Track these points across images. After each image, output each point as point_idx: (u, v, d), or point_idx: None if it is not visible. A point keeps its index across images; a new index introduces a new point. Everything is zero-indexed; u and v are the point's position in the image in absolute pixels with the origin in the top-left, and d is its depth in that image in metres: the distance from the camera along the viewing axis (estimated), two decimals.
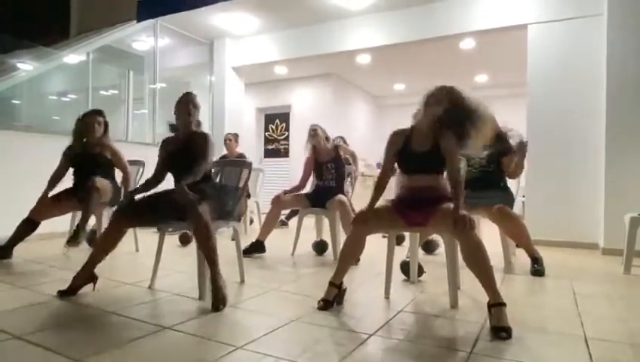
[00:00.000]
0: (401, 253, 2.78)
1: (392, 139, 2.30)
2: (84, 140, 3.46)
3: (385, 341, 1.74)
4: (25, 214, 4.20)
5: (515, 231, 3.06)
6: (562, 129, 4.51)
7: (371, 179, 7.57)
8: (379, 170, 8.15)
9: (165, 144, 2.69)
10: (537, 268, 3.02)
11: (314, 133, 3.81)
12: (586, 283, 2.85)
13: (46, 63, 5.42)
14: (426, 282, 2.72)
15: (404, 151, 2.26)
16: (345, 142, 5.01)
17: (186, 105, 2.57)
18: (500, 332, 1.74)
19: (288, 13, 5.77)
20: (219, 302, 2.08)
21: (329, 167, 3.77)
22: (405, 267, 2.77)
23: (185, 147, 2.55)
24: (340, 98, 8.36)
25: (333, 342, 1.70)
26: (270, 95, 8.68)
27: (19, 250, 3.68)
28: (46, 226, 4.28)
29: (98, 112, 3.53)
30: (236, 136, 5.56)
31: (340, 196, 3.56)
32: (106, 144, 3.51)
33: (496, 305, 1.84)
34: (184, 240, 4.07)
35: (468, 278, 2.52)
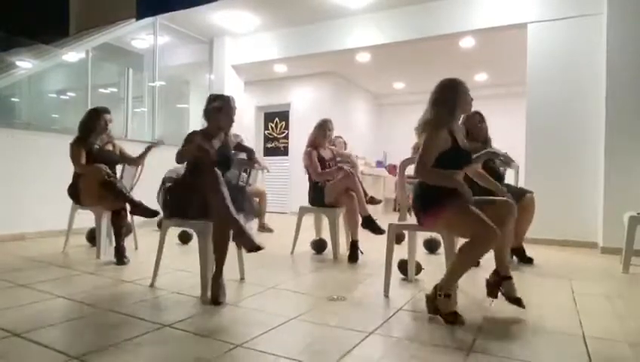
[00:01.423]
0: (400, 252, 2.78)
1: (439, 134, 2.06)
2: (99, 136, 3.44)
3: (384, 339, 1.74)
4: (25, 212, 4.22)
5: (530, 220, 3.35)
6: (561, 128, 4.51)
7: (371, 177, 7.57)
8: (378, 169, 8.12)
9: (201, 136, 2.51)
10: (529, 257, 3.38)
11: (329, 132, 3.77)
12: (585, 281, 2.85)
13: (45, 61, 5.41)
14: (425, 280, 2.73)
15: (456, 148, 2.09)
16: (345, 144, 5.00)
17: (234, 109, 2.57)
18: (520, 301, 2.04)
19: (288, 12, 5.76)
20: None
21: (330, 165, 3.76)
22: (403, 265, 2.77)
23: (229, 151, 2.60)
24: (339, 96, 8.36)
25: (333, 340, 1.70)
26: (270, 93, 8.67)
27: (17, 249, 3.70)
28: (45, 224, 4.31)
29: (107, 110, 3.51)
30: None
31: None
32: (114, 141, 3.57)
33: (508, 277, 2.07)
34: (184, 239, 4.07)
35: (466, 277, 2.53)
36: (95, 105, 3.59)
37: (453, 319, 1.90)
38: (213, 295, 2.18)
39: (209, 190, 2.25)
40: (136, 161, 3.63)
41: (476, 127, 3.24)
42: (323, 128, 3.76)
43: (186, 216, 2.38)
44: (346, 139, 5.04)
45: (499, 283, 2.08)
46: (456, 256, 2.00)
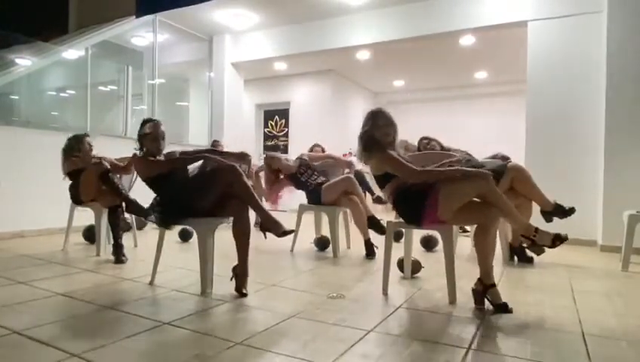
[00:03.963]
0: (400, 250, 2.78)
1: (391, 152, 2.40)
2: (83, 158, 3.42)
3: (383, 337, 1.74)
4: (24, 210, 4.22)
5: (530, 188, 3.24)
6: (562, 126, 4.50)
7: (368, 176, 7.56)
8: None
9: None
10: (529, 256, 3.35)
11: (273, 160, 3.86)
12: (584, 279, 2.86)
13: (45, 59, 5.39)
14: (423, 278, 2.73)
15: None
16: (323, 150, 4.96)
17: (161, 134, 2.51)
18: (506, 307, 2.04)
19: (288, 9, 5.75)
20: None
21: (302, 171, 3.78)
22: (402, 264, 2.77)
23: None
24: (339, 94, 8.35)
25: (332, 338, 1.70)
26: (269, 91, 8.66)
27: (17, 247, 3.70)
28: (45, 222, 4.31)
29: (87, 134, 3.53)
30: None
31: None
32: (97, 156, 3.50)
33: (492, 285, 2.10)
34: (184, 236, 4.06)
35: (465, 275, 2.53)
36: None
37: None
38: (242, 286, 2.27)
39: (235, 180, 2.27)
40: (125, 169, 3.51)
41: (426, 148, 3.57)
42: (267, 164, 3.90)
43: (197, 214, 2.32)
44: (345, 137, 5.03)
45: (484, 292, 2.11)
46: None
